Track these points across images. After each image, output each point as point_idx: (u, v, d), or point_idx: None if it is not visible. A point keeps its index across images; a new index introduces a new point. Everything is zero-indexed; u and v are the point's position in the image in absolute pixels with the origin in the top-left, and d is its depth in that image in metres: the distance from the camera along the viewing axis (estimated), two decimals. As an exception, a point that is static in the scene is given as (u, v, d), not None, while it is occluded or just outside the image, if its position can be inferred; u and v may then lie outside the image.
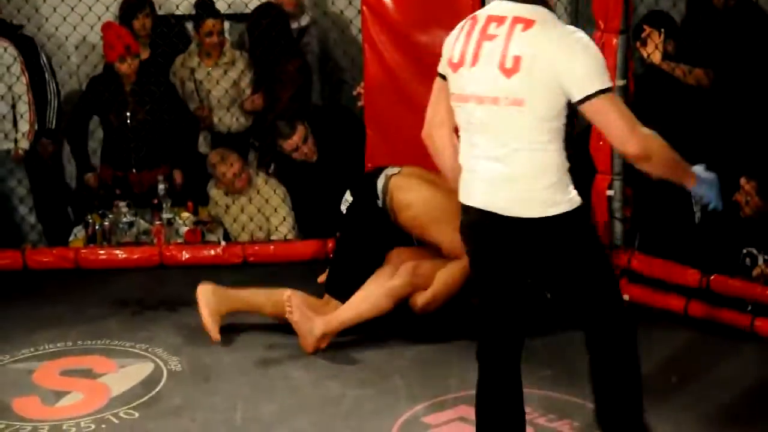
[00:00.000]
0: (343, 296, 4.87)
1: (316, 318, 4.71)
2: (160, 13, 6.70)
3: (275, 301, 4.88)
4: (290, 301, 4.70)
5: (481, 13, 3.36)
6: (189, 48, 6.58)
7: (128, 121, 6.28)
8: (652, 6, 5.42)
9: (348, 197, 5.09)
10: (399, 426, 4.12)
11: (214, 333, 4.79)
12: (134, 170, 6.37)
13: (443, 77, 3.51)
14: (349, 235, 5.11)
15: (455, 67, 3.40)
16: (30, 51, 6.36)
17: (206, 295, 4.85)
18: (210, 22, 6.41)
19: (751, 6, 5.28)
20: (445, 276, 4.82)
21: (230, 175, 6.13)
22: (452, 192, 4.85)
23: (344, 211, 5.09)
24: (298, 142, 6.02)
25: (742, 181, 4.93)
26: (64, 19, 6.30)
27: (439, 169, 3.70)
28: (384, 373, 4.56)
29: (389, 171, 5.04)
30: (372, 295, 4.77)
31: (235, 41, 6.85)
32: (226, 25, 6.71)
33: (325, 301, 4.97)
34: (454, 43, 3.43)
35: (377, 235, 5.00)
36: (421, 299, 4.82)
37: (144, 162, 6.34)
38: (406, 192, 4.95)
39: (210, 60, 6.51)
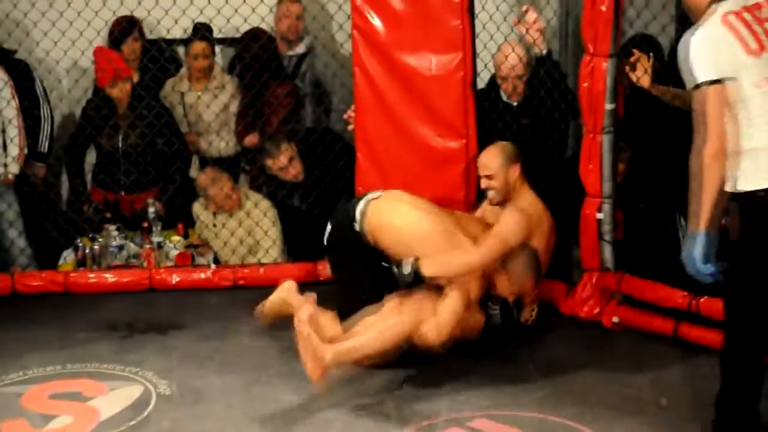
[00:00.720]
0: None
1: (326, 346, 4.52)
2: (151, 37, 6.71)
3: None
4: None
5: (728, 6, 3.65)
6: (180, 72, 6.60)
7: (120, 145, 6.28)
8: (642, 30, 5.43)
9: (328, 227, 5.13)
10: (390, 449, 4.11)
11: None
12: (123, 193, 6.37)
13: (719, 81, 3.62)
14: (333, 263, 5.21)
15: (757, 52, 3.61)
16: (23, 75, 6.35)
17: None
18: (199, 45, 6.43)
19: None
20: (450, 306, 4.70)
21: (221, 197, 6.13)
22: (437, 214, 4.91)
23: (326, 242, 5.13)
24: (284, 162, 6.05)
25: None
26: (55, 43, 6.30)
27: (707, 191, 3.68)
28: (374, 396, 4.55)
29: (371, 195, 5.05)
30: (376, 333, 4.62)
31: (225, 66, 6.86)
32: (217, 49, 6.73)
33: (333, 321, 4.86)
34: (734, 36, 3.64)
35: (358, 258, 4.98)
36: (426, 340, 4.66)
37: (135, 185, 6.34)
38: (386, 214, 4.94)
39: (200, 84, 6.52)
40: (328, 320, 4.69)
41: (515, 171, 5.16)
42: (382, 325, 4.62)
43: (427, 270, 4.67)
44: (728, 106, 3.64)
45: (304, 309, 4.53)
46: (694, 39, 3.66)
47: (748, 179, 3.67)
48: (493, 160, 5.18)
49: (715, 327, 4.90)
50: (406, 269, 4.68)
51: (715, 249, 3.68)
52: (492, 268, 4.87)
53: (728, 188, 3.68)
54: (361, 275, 4.99)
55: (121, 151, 6.28)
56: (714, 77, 3.62)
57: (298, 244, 6.22)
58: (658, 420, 4.27)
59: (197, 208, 6.32)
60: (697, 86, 3.65)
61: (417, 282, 4.67)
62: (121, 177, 6.34)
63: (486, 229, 5.00)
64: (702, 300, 4.93)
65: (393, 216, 4.94)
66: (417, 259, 4.68)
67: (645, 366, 4.81)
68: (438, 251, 4.77)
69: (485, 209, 5.31)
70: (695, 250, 3.67)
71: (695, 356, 4.89)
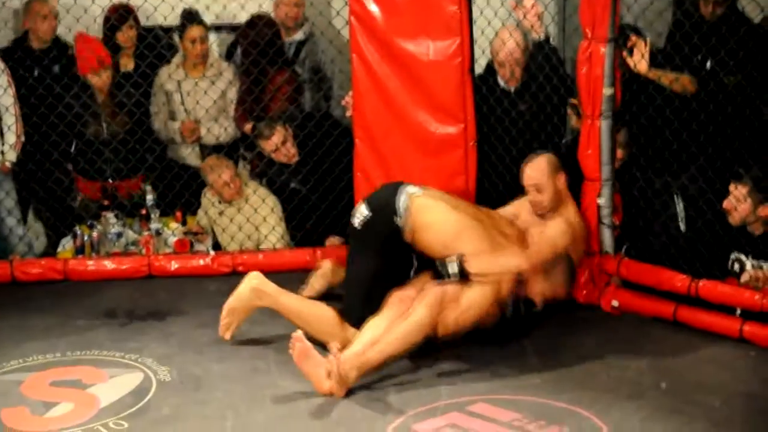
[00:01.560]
0: (359, 320, 4.75)
1: (341, 361, 4.44)
2: (147, 24, 6.70)
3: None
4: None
5: None
6: (174, 59, 6.57)
7: (104, 133, 6.28)
8: (639, 15, 5.43)
9: (364, 211, 4.90)
10: (389, 433, 4.12)
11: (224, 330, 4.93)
12: (110, 180, 6.37)
13: None
14: (365, 250, 4.90)
15: None
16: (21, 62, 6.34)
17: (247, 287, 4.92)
18: (196, 29, 6.41)
19: (738, 16, 5.30)
20: (468, 302, 4.69)
21: (221, 183, 6.13)
22: (475, 217, 4.88)
23: (358, 225, 4.90)
24: (277, 143, 6.06)
25: (731, 187, 4.94)
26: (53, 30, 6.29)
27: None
28: (374, 381, 4.55)
29: (410, 189, 4.90)
30: (403, 332, 4.57)
31: (222, 53, 6.85)
32: (214, 36, 6.72)
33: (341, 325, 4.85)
34: None
35: (394, 251, 4.87)
36: (442, 329, 4.66)
37: (116, 173, 6.34)
38: (429, 213, 4.84)
39: (196, 71, 6.50)
40: (332, 324, 4.76)
41: (561, 180, 5.10)
42: (405, 325, 4.56)
43: (474, 267, 4.69)
44: None
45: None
46: None
47: None
48: (540, 172, 5.07)
49: (714, 310, 4.93)
50: (452, 266, 4.70)
51: None
52: (532, 273, 4.85)
53: None
54: (390, 269, 4.86)
55: (100, 140, 6.27)
56: None
57: (298, 228, 6.22)
58: (657, 404, 4.28)
59: (209, 194, 6.31)
60: None
61: (460, 279, 4.69)
62: (102, 165, 6.33)
63: (518, 230, 5.01)
64: (701, 283, 4.94)
65: (435, 215, 4.85)
66: (462, 256, 4.69)
67: (644, 350, 4.82)
68: (477, 252, 4.75)
69: (520, 208, 5.22)
70: None
71: (694, 340, 4.90)
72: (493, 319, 4.85)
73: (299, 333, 4.49)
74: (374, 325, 4.63)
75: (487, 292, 4.71)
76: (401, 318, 4.60)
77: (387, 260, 4.85)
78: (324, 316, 4.83)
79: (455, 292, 4.67)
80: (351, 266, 5.00)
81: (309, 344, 4.46)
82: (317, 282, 5.40)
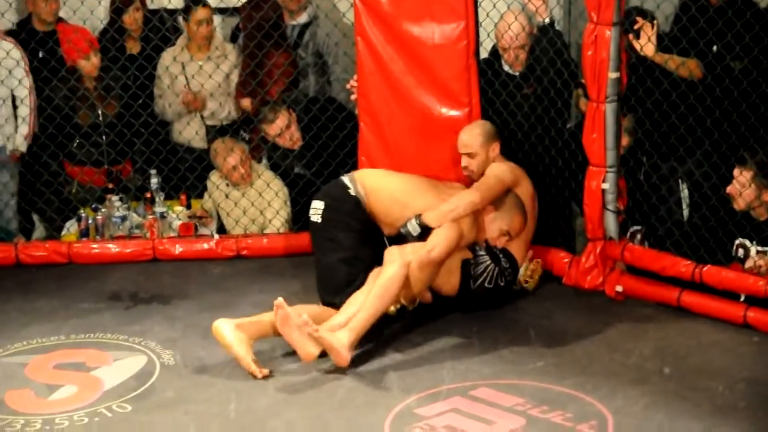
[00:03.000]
0: (338, 299, 4.81)
1: (337, 332, 4.55)
2: (152, 7, 6.69)
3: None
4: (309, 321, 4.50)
5: None
6: (178, 41, 6.56)
7: (100, 119, 6.28)
8: (646, -3, 5.41)
9: (317, 204, 5.03)
10: (392, 418, 4.12)
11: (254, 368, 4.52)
12: (106, 166, 6.37)
13: None
14: (335, 234, 4.97)
15: None
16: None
17: (226, 330, 4.56)
18: (202, 11, 6.39)
19: (746, 2, 5.27)
20: (443, 231, 4.85)
21: (227, 168, 6.13)
22: (421, 177, 5.11)
23: (318, 219, 5.01)
24: (281, 126, 6.04)
25: (736, 172, 4.93)
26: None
27: None
28: (377, 366, 4.56)
29: (348, 174, 5.14)
30: (380, 289, 4.66)
31: (227, 35, 6.84)
32: (218, 19, 6.70)
33: (322, 309, 4.88)
34: None
35: (361, 222, 4.99)
36: (423, 254, 4.77)
37: (114, 157, 6.35)
38: (377, 178, 5.12)
39: (201, 53, 6.49)
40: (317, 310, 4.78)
41: (495, 149, 5.26)
42: (379, 283, 4.67)
43: (433, 221, 4.86)
44: None
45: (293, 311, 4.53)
46: None
47: None
48: (474, 138, 5.28)
49: (718, 296, 4.92)
50: (412, 225, 4.87)
51: None
52: (484, 210, 5.05)
53: None
54: (364, 241, 4.97)
55: (100, 124, 6.27)
56: None
57: (302, 212, 6.22)
58: (660, 389, 4.28)
59: (214, 177, 6.30)
60: None
61: (424, 237, 4.84)
62: (94, 152, 6.33)
63: (462, 187, 5.21)
64: (705, 269, 4.93)
65: (384, 177, 5.14)
66: (420, 215, 4.86)
67: (647, 335, 4.81)
68: (432, 204, 4.95)
69: None
70: None
71: (698, 325, 4.90)
72: (455, 287, 4.97)
73: (280, 300, 4.52)
74: (356, 300, 4.72)
75: (448, 230, 4.86)
76: (375, 279, 4.73)
77: (359, 232, 4.96)
78: (312, 311, 4.72)
79: (419, 246, 4.81)
80: (323, 257, 5.01)
81: (290, 311, 4.50)
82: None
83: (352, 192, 5.00)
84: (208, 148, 6.39)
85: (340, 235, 4.97)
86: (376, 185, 5.06)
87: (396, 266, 4.70)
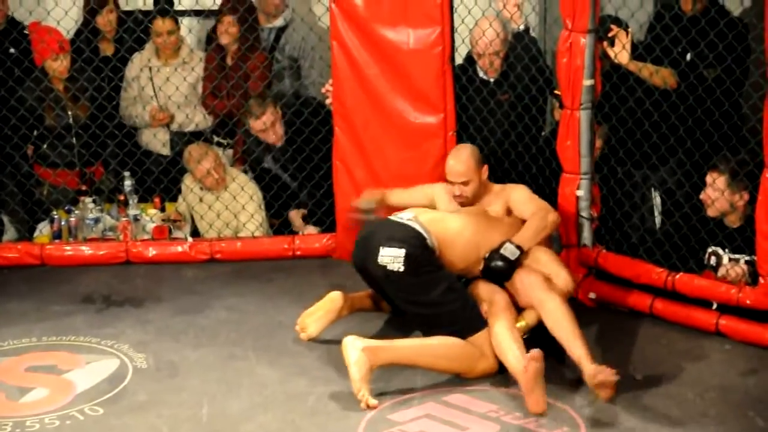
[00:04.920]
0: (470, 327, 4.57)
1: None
2: (126, 8, 6.66)
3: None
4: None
5: None
6: (146, 47, 6.53)
7: (70, 120, 6.24)
8: (620, 6, 5.43)
9: (396, 252, 4.54)
10: (365, 423, 4.11)
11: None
12: (79, 168, 6.33)
13: None
14: (424, 281, 4.58)
15: None
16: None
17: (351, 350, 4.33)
18: (161, 24, 6.35)
19: (718, 8, 5.31)
20: (553, 267, 4.78)
21: (201, 172, 6.10)
22: (469, 212, 4.91)
23: (400, 268, 4.53)
24: (266, 122, 6.02)
25: (709, 178, 4.95)
26: (30, 13, 6.24)
27: None
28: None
29: (405, 216, 4.77)
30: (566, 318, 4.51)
31: (201, 38, 6.82)
32: (194, 21, 6.67)
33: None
34: None
35: (441, 270, 4.66)
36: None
37: (80, 160, 6.31)
38: (444, 224, 4.77)
39: (169, 60, 6.47)
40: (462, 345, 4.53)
41: (485, 171, 5.06)
42: (556, 318, 4.52)
43: (528, 242, 4.75)
44: None
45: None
46: None
47: None
48: (466, 166, 4.98)
49: (690, 304, 4.95)
50: (512, 251, 4.68)
51: None
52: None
53: None
54: (452, 285, 4.64)
55: (71, 126, 6.23)
56: None
57: (276, 216, 6.22)
58: (632, 396, 4.29)
59: (188, 181, 6.28)
60: None
61: (514, 265, 4.68)
62: (67, 153, 6.30)
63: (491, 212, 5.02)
64: (678, 277, 4.95)
65: (450, 223, 4.80)
66: (511, 241, 4.71)
67: (620, 342, 4.83)
68: (501, 236, 4.76)
69: (434, 197, 5.17)
70: None
71: (671, 333, 4.92)
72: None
73: (538, 353, 4.23)
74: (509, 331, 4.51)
75: (547, 252, 4.84)
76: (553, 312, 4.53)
77: (447, 277, 4.65)
78: (448, 341, 4.50)
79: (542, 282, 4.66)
80: (417, 304, 4.61)
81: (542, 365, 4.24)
82: (327, 317, 4.90)
83: (428, 243, 4.64)
84: (175, 156, 6.37)
85: (427, 281, 4.58)
86: (448, 235, 4.71)
87: (556, 298, 4.55)
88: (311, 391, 4.38)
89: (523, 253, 4.72)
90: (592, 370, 4.25)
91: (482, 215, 4.93)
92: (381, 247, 4.57)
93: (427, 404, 4.26)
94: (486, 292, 4.71)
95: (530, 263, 4.75)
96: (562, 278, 4.74)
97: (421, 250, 4.59)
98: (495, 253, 4.70)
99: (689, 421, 4.10)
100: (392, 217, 4.80)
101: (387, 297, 4.86)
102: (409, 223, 4.69)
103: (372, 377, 4.29)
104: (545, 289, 4.59)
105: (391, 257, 4.55)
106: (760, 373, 4.49)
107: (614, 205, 5.44)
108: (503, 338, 4.45)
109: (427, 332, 4.59)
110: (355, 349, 4.29)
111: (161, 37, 6.37)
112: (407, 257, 4.54)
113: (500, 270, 4.68)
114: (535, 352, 4.22)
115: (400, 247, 4.56)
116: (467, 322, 4.55)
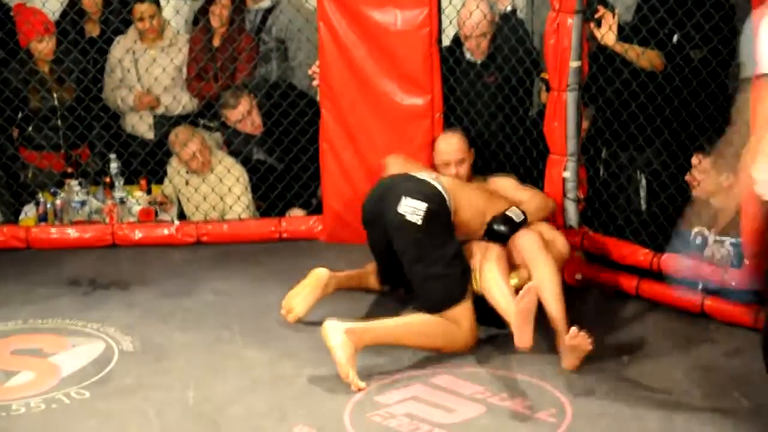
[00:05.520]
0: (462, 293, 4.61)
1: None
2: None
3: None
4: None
5: None
6: (129, 30, 6.50)
7: (55, 103, 6.21)
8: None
9: (418, 204, 4.57)
10: (352, 405, 4.12)
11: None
12: (63, 151, 6.31)
13: None
14: (433, 239, 4.60)
15: None
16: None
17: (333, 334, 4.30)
18: (139, 8, 6.33)
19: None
20: (551, 234, 4.89)
21: (186, 155, 6.09)
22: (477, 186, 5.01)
23: (419, 220, 4.55)
24: (242, 112, 6.01)
25: (695, 160, 4.96)
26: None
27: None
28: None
29: (425, 175, 4.81)
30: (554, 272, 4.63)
31: (189, 19, 6.79)
32: (181, 2, 6.64)
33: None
34: None
35: (452, 233, 4.72)
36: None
37: (66, 142, 6.29)
38: (461, 192, 4.82)
39: (153, 43, 6.44)
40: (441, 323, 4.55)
41: (473, 155, 5.28)
42: (550, 266, 4.64)
43: (530, 215, 4.88)
44: None
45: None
46: None
47: None
48: (460, 144, 5.21)
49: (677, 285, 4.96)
50: (517, 213, 4.83)
51: None
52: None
53: None
54: (458, 250, 4.67)
55: (57, 108, 6.21)
56: None
57: (263, 198, 6.20)
58: (618, 377, 4.31)
59: (174, 163, 6.26)
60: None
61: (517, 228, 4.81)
62: (53, 135, 6.27)
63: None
64: (663, 257, 4.96)
65: (464, 190, 4.86)
66: (511, 206, 4.85)
67: (607, 323, 4.84)
68: (503, 207, 4.87)
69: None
70: None
71: (656, 313, 4.94)
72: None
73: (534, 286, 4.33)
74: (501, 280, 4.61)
75: (549, 224, 5.01)
76: (542, 266, 4.62)
77: (454, 240, 4.69)
78: (427, 319, 4.52)
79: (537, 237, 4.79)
80: (421, 260, 4.60)
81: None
82: (314, 294, 4.91)
83: (447, 204, 4.68)
84: (161, 138, 6.35)
85: (438, 239, 4.62)
86: (460, 198, 4.76)
87: (550, 262, 4.65)
88: (298, 373, 4.38)
89: (527, 220, 4.83)
90: (571, 331, 4.31)
91: (486, 188, 5.03)
92: (404, 197, 4.61)
93: (414, 386, 4.26)
94: (481, 245, 4.77)
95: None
96: (560, 242, 4.86)
97: (441, 209, 4.65)
98: (500, 215, 4.81)
99: (675, 401, 4.11)
100: (414, 173, 4.85)
101: (385, 256, 4.85)
102: (432, 181, 4.74)
103: (357, 359, 4.29)
104: (541, 247, 4.68)
105: (413, 208, 4.59)
106: (745, 354, 4.50)
107: (600, 186, 5.44)
108: (494, 280, 4.56)
109: (416, 296, 4.66)
110: (338, 332, 4.28)
111: (143, 22, 6.34)
112: (428, 212, 4.58)
113: (503, 232, 4.79)
114: (532, 286, 4.29)
115: (423, 201, 4.61)
116: (459, 290, 4.57)
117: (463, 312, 4.54)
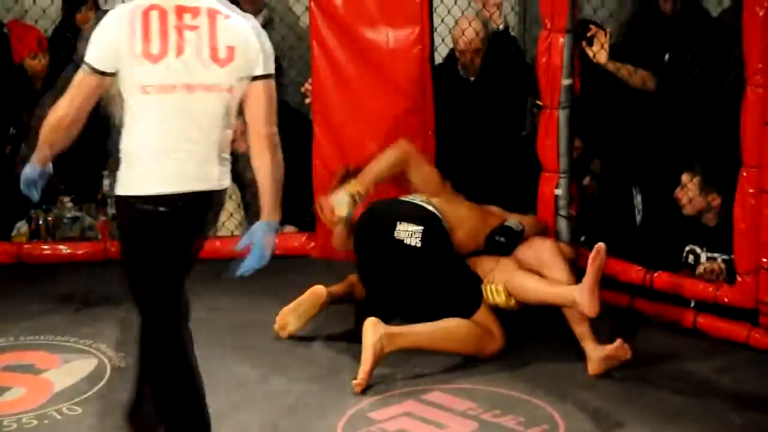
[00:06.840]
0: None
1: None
2: (106, 7, 6.63)
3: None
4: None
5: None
6: None
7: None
8: (599, 6, 5.45)
9: (414, 227, 4.63)
10: (345, 421, 4.11)
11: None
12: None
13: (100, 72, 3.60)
14: (435, 263, 4.67)
15: (156, 58, 3.46)
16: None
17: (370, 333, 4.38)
18: None
19: (697, 9, 5.34)
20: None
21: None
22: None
23: (417, 243, 4.60)
24: (237, 131, 5.99)
25: (684, 177, 4.98)
26: (8, 11, 6.22)
27: None
28: (330, 369, 4.56)
29: (417, 198, 4.85)
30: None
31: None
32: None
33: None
34: (142, 31, 3.46)
35: (451, 254, 4.75)
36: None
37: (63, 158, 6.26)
38: (454, 210, 4.83)
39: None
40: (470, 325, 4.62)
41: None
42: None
43: (527, 229, 4.89)
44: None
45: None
46: (112, 14, 3.53)
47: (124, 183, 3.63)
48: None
49: (669, 302, 4.97)
50: (515, 225, 4.84)
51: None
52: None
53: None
54: (462, 272, 4.72)
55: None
56: (97, 67, 3.56)
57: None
58: (610, 393, 4.31)
59: None
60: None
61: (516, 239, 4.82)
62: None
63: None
64: (656, 275, 4.98)
65: (456, 208, 4.87)
66: (508, 220, 4.88)
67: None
68: (495, 223, 4.88)
69: None
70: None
71: (649, 330, 4.94)
72: None
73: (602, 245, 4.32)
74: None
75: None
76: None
77: (455, 257, 4.73)
78: (460, 323, 4.57)
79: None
80: (428, 281, 4.68)
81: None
82: (309, 312, 4.88)
83: (443, 224, 4.71)
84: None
85: (440, 262, 4.68)
86: (454, 216, 4.78)
87: (566, 266, 4.72)
88: (291, 389, 4.37)
89: (524, 231, 4.83)
90: (617, 342, 4.40)
91: (476, 205, 5.02)
92: (399, 222, 4.63)
93: (407, 402, 4.26)
94: (491, 260, 4.75)
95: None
96: (566, 251, 4.90)
97: (437, 229, 4.67)
98: (499, 226, 4.82)
99: (667, 417, 4.12)
100: (404, 198, 4.86)
101: (380, 280, 4.85)
102: (423, 204, 4.75)
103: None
104: (559, 253, 4.71)
105: (409, 232, 4.62)
106: (737, 371, 4.52)
107: (593, 204, 5.46)
108: (526, 279, 4.59)
109: (429, 314, 4.62)
110: (376, 333, 4.34)
111: None
112: (425, 233, 4.61)
113: (503, 243, 4.79)
114: (600, 245, 4.28)
115: (418, 224, 4.62)
116: (471, 300, 4.61)
117: (487, 317, 4.59)
